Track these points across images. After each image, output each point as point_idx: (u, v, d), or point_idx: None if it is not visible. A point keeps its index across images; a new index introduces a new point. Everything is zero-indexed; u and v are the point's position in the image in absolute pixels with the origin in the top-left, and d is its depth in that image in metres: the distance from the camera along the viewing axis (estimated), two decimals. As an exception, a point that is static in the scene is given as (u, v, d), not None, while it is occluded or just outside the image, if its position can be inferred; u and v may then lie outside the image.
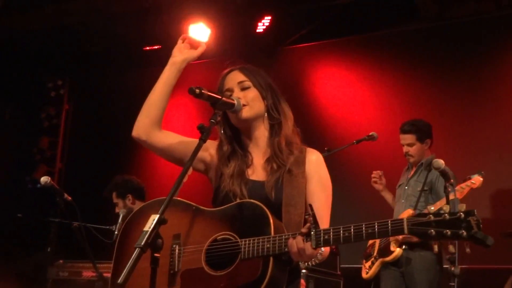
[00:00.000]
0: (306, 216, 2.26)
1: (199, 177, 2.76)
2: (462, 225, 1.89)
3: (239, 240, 2.40)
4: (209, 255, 2.45)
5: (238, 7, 7.18)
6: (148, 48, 8.30)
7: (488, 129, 6.42)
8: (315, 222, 2.21)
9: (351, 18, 7.29)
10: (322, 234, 2.19)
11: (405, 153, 5.34)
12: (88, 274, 4.91)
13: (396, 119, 6.47)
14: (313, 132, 6.85)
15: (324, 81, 7.50)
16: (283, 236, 2.30)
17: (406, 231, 2.00)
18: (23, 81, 8.56)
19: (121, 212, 5.52)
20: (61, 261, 5.14)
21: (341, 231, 2.16)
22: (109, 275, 4.52)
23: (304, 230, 2.24)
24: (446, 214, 1.93)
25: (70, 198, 4.43)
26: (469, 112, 6.56)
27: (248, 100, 2.60)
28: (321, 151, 5.15)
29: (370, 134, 5.22)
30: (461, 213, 1.91)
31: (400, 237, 4.93)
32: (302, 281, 5.23)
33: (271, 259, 2.32)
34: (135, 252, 1.96)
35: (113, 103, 8.47)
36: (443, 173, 4.03)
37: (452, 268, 3.85)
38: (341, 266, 5.68)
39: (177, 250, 2.49)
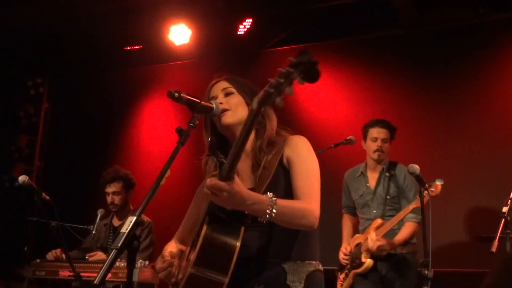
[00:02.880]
0: (211, 156, 2.23)
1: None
2: (294, 66, 2.00)
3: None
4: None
5: (219, 9, 7.20)
6: (129, 48, 8.30)
7: (466, 133, 6.50)
8: (221, 159, 2.14)
9: (331, 22, 7.34)
10: (222, 161, 2.14)
11: (376, 149, 5.25)
12: (65, 273, 4.89)
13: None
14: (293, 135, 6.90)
15: (304, 84, 7.53)
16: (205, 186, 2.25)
17: (255, 106, 2.03)
18: (2, 79, 8.50)
19: (99, 212, 5.51)
20: (38, 260, 5.12)
21: (232, 149, 2.13)
22: (86, 274, 4.55)
23: (213, 172, 2.25)
24: (282, 69, 2.03)
25: (48, 197, 4.42)
26: (447, 117, 6.63)
27: (231, 105, 2.61)
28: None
29: (348, 138, 5.24)
30: (293, 58, 2.01)
31: (371, 248, 4.96)
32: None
33: (204, 226, 2.33)
34: (111, 253, 1.99)
35: (93, 102, 8.45)
36: (418, 178, 4.10)
37: (426, 272, 3.90)
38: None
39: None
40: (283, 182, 2.51)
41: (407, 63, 6.98)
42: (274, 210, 2.24)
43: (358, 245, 5.16)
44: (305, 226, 2.39)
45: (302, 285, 2.45)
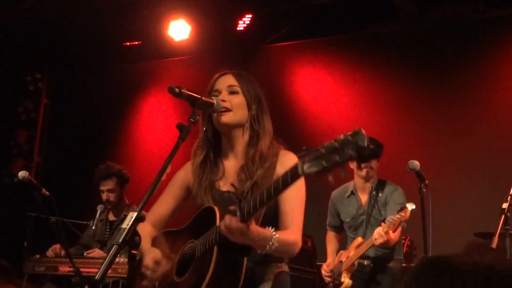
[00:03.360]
0: (230, 194, 2.26)
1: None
2: (350, 146, 1.84)
3: (195, 242, 2.47)
4: (179, 266, 2.55)
5: (219, 4, 7.20)
6: (128, 43, 8.29)
7: (466, 129, 6.50)
8: (241, 198, 2.21)
9: (331, 18, 7.34)
10: (245, 206, 2.19)
11: (364, 176, 5.06)
12: (64, 269, 4.89)
13: (373, 119, 6.57)
14: (292, 131, 6.90)
15: (303, 80, 7.55)
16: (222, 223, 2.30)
17: (300, 171, 1.96)
18: (1, 75, 8.49)
19: (99, 207, 5.50)
20: (37, 255, 5.12)
21: (257, 196, 2.17)
22: (86, 270, 4.55)
23: (231, 207, 2.24)
24: (334, 142, 1.88)
25: (48, 193, 4.41)
26: (447, 113, 6.64)
27: (233, 105, 2.60)
28: (299, 150, 5.20)
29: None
30: (348, 136, 1.86)
31: (350, 266, 4.91)
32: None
33: (215, 248, 2.35)
34: (112, 249, 1.99)
35: (92, 98, 8.45)
36: (418, 174, 4.10)
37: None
38: (317, 263, 5.72)
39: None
40: None
41: (407, 60, 6.98)
42: (273, 246, 2.33)
43: (341, 263, 5.04)
44: (290, 256, 2.55)
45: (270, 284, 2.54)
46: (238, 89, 2.65)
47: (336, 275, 5.05)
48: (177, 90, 2.37)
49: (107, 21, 7.47)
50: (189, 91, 2.42)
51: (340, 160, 1.85)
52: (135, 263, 2.14)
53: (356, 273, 4.98)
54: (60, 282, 5.14)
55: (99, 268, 1.96)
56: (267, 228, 2.33)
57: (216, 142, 2.71)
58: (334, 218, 5.33)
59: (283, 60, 7.68)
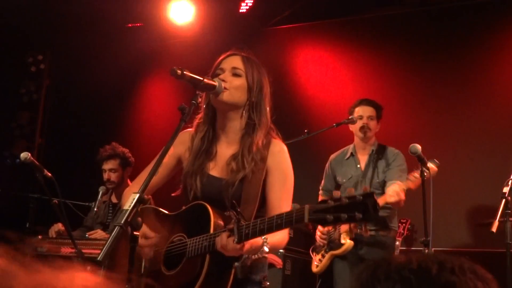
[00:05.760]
0: (227, 213, 2.29)
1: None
2: (358, 208, 1.86)
3: (187, 240, 2.47)
4: (167, 256, 2.56)
5: (221, -14, 7.15)
6: (130, 25, 8.25)
7: (468, 116, 6.49)
8: (239, 218, 2.25)
9: (334, 0, 7.30)
10: (244, 229, 2.23)
11: (361, 126, 5.18)
12: (66, 250, 4.92)
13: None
14: (294, 114, 6.90)
15: (306, 63, 7.53)
16: (216, 234, 2.35)
17: (306, 219, 2.01)
18: (2, 56, 8.46)
19: (100, 189, 5.52)
20: (39, 236, 5.14)
21: (258, 224, 2.22)
22: (88, 251, 4.57)
23: (229, 226, 2.28)
24: (344, 198, 1.91)
25: (50, 174, 4.42)
26: (451, 97, 6.62)
27: (231, 86, 2.60)
28: (301, 133, 5.21)
29: (350, 117, 5.22)
30: (360, 196, 1.88)
31: (353, 228, 4.84)
32: (280, 261, 5.31)
33: (208, 256, 2.38)
34: (114, 230, 2.00)
35: (94, 79, 8.42)
36: (420, 158, 4.10)
37: (426, 251, 3.92)
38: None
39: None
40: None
41: (410, 42, 6.95)
42: (264, 252, 2.40)
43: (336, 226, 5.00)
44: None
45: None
46: (241, 72, 2.65)
47: (332, 237, 5.04)
48: (179, 72, 2.37)
49: (109, 2, 7.43)
50: (191, 73, 2.43)
51: (347, 219, 1.89)
52: (136, 244, 2.15)
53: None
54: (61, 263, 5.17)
55: (101, 249, 1.97)
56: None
57: (214, 122, 2.71)
58: (329, 181, 5.40)
59: (286, 42, 7.65)
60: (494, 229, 3.95)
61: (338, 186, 5.33)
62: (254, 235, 2.24)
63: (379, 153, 5.19)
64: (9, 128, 8.54)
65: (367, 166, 5.20)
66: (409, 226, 5.62)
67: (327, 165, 5.46)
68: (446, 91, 6.63)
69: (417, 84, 6.80)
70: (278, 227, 2.17)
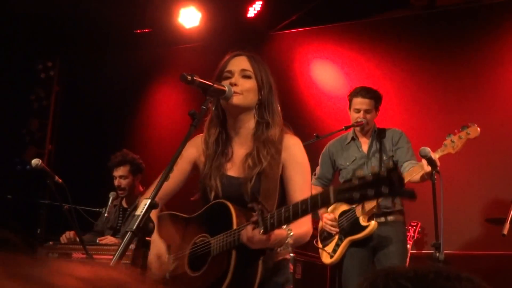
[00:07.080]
0: (250, 205, 2.30)
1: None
2: (384, 183, 1.85)
3: (210, 239, 2.48)
4: (191, 259, 2.56)
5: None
6: (139, 31, 8.28)
7: (478, 114, 6.47)
8: (262, 209, 2.26)
9: (342, 4, 7.31)
10: (268, 219, 2.23)
11: (358, 120, 5.04)
12: (77, 255, 4.94)
13: (384, 105, 6.52)
14: (303, 118, 6.90)
15: (314, 67, 7.54)
16: (240, 228, 2.35)
17: (332, 200, 2.00)
18: (13, 63, 8.52)
19: (111, 194, 5.54)
20: (51, 242, 5.16)
21: (283, 213, 2.21)
22: (99, 256, 4.58)
23: (253, 218, 2.28)
24: (369, 174, 1.89)
25: (60, 180, 4.44)
26: (461, 98, 6.61)
27: (243, 89, 2.60)
28: (310, 137, 5.21)
29: (359, 120, 5.19)
30: (383, 171, 1.87)
31: (368, 209, 4.71)
32: (290, 265, 5.28)
33: (234, 252, 2.38)
34: (126, 236, 2.01)
35: (104, 85, 8.46)
36: (429, 161, 4.08)
37: (437, 254, 3.89)
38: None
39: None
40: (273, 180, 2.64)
41: (419, 45, 6.94)
42: (288, 244, 2.42)
43: (348, 212, 4.86)
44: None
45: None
46: (251, 73, 2.65)
47: (346, 225, 4.88)
48: (189, 77, 2.38)
49: (118, 8, 7.46)
50: (201, 78, 2.43)
51: (374, 195, 1.88)
52: (149, 250, 2.15)
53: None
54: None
55: (112, 255, 1.98)
56: (282, 228, 2.34)
57: (225, 123, 2.72)
58: (328, 168, 5.26)
59: (294, 47, 7.66)
60: (505, 231, 3.93)
61: (336, 173, 5.22)
62: (280, 224, 2.24)
63: (381, 134, 5.09)
64: (19, 134, 8.58)
65: (370, 147, 5.10)
66: (419, 229, 5.61)
67: (324, 151, 5.29)
68: (456, 92, 6.61)
69: (427, 86, 6.79)
70: (304, 213, 2.16)
